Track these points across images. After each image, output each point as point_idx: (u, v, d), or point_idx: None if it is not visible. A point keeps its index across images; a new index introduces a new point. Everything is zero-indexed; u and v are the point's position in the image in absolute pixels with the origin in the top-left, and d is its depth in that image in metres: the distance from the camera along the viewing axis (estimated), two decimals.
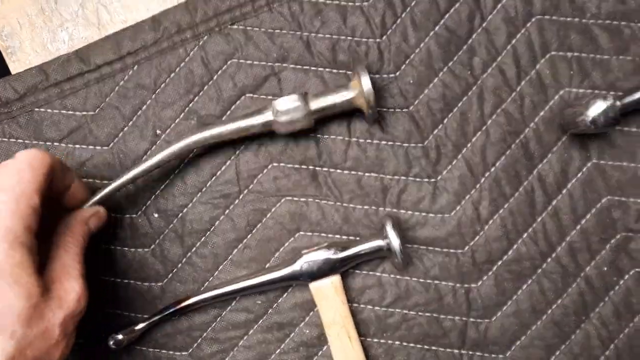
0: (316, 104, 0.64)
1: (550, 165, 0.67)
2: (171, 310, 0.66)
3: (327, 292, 0.66)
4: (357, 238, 0.68)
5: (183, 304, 0.66)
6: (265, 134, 0.67)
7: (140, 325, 0.66)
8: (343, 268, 0.66)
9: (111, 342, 0.64)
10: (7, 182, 0.52)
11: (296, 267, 0.65)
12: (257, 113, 0.65)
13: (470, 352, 0.67)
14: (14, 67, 0.71)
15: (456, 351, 0.67)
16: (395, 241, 0.63)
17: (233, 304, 0.68)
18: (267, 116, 0.64)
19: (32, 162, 0.54)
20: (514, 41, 0.67)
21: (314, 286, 0.66)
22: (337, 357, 0.66)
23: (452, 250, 0.68)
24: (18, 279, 0.49)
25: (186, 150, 0.65)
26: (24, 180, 0.52)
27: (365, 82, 0.62)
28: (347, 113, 0.67)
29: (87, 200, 0.63)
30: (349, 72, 0.68)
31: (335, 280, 0.66)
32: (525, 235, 0.67)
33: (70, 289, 0.53)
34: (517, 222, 0.67)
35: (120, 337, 0.64)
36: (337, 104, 0.64)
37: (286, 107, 0.63)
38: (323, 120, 0.67)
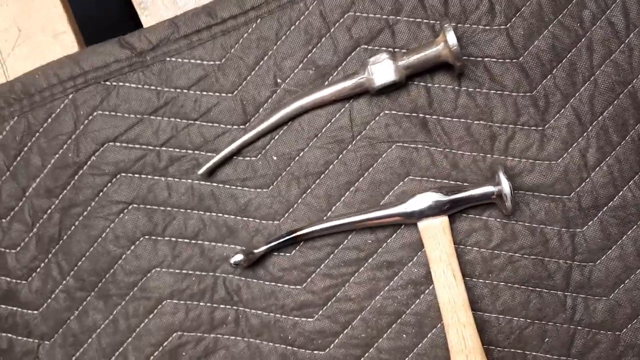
0: (405, 60, 0.69)
1: None
2: (286, 238, 0.71)
3: (435, 231, 0.69)
4: (465, 184, 0.71)
5: (298, 233, 0.71)
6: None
7: (259, 249, 0.71)
8: (451, 210, 0.69)
9: (232, 261, 0.69)
10: None
11: (407, 205, 0.69)
12: (351, 76, 0.70)
13: (574, 294, 0.70)
14: (146, 21, 0.77)
15: (560, 293, 0.70)
16: (506, 188, 0.66)
17: (345, 242, 0.73)
18: (360, 77, 0.70)
19: None
20: None
21: (423, 225, 0.70)
22: (440, 294, 0.69)
23: (558, 196, 0.70)
24: None
25: (284, 119, 0.73)
26: None
27: (450, 38, 0.66)
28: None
29: None
30: (459, 25, 0.72)
31: (443, 220, 0.69)
32: (631, 182, 0.69)
33: None
34: (623, 169, 0.70)
35: (240, 257, 0.69)
36: (426, 60, 0.69)
37: (377, 66, 0.69)
38: (421, 73, 0.71)
